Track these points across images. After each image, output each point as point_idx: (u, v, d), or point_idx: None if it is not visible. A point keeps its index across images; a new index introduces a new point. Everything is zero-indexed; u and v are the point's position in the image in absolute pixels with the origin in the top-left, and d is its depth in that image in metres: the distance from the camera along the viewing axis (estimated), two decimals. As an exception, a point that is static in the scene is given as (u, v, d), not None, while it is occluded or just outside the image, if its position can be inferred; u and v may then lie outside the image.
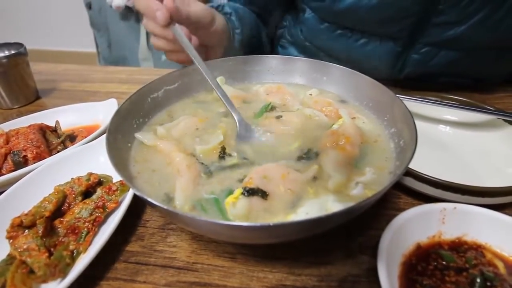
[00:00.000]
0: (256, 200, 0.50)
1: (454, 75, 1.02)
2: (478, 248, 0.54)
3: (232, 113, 0.67)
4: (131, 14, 2.00)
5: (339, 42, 1.02)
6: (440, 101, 0.82)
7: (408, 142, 0.54)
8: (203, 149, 0.61)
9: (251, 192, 0.50)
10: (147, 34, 2.08)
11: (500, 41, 0.88)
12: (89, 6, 2.10)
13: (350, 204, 0.41)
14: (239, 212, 0.49)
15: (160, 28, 0.76)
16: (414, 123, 0.54)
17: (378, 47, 0.97)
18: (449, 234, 0.55)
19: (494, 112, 0.78)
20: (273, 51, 1.33)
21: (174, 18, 0.74)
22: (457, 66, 0.96)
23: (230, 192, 0.52)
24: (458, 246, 0.54)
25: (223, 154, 0.60)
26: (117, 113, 0.61)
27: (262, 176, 0.53)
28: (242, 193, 0.50)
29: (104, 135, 0.56)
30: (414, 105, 0.83)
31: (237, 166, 0.58)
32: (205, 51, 0.94)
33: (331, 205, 0.46)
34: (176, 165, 0.56)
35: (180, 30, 0.75)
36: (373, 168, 0.57)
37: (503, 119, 0.79)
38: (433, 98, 0.84)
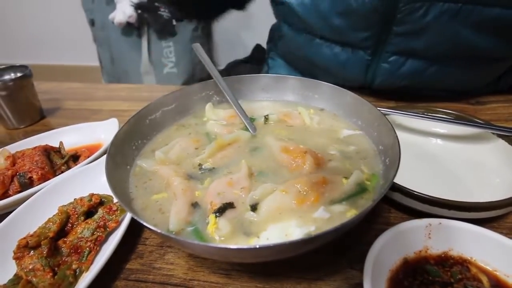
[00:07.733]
0: (229, 213, 0.55)
1: (429, 88, 1.04)
2: (463, 263, 0.56)
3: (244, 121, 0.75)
4: (132, 30, 2.06)
5: (317, 51, 1.07)
6: (429, 115, 0.83)
7: (392, 161, 0.56)
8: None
9: (221, 210, 0.55)
10: (149, 48, 2.14)
11: (461, 52, 0.90)
12: (92, 23, 2.17)
13: (312, 228, 0.47)
14: (226, 231, 0.52)
15: None
16: (399, 143, 0.56)
17: (351, 56, 1.01)
18: (435, 249, 0.57)
19: (483, 126, 0.79)
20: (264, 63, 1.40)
21: None
22: (425, 75, 0.98)
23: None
24: (444, 261, 0.56)
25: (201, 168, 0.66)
26: (116, 137, 0.64)
27: (217, 194, 0.58)
28: (216, 217, 0.54)
29: (105, 156, 0.60)
30: (404, 118, 0.86)
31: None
32: None
33: (292, 230, 0.49)
34: (173, 189, 0.59)
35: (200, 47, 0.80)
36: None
37: (492, 132, 0.80)
38: (422, 111, 0.86)
